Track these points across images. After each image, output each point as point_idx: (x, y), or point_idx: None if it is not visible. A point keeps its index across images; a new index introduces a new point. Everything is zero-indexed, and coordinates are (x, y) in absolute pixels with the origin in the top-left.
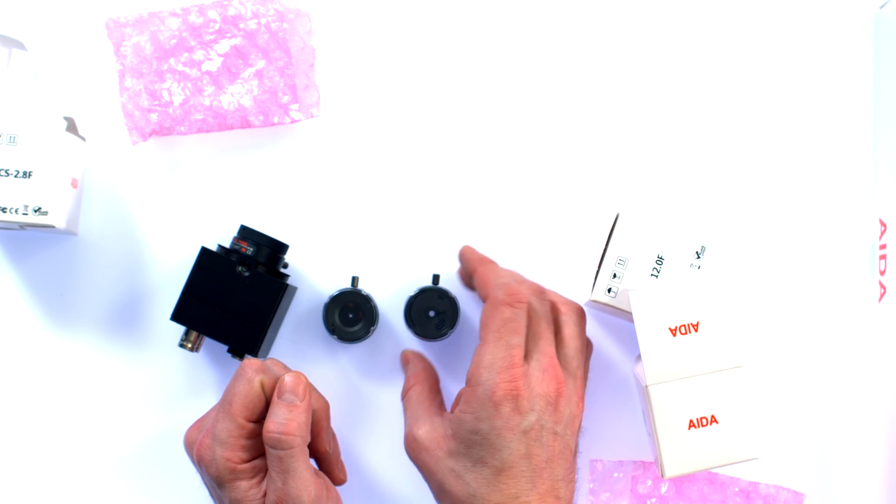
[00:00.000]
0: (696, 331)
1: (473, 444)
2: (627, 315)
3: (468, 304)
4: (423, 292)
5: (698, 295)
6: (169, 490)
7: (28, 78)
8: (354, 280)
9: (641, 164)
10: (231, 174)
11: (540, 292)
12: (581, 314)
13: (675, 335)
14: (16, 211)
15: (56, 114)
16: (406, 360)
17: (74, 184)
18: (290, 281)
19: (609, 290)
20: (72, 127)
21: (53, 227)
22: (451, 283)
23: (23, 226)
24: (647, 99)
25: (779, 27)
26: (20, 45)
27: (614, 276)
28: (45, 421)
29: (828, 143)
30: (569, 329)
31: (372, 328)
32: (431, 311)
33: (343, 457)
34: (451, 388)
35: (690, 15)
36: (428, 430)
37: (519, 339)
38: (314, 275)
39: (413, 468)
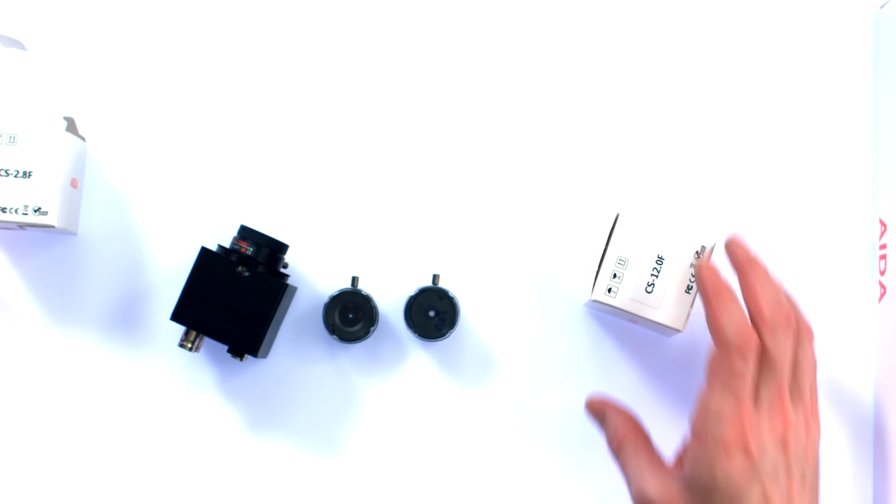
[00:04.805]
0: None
1: (711, 499)
2: (627, 315)
3: (468, 304)
4: (423, 292)
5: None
6: (169, 490)
7: (28, 78)
8: (354, 280)
9: (641, 164)
10: (231, 174)
11: (786, 322)
12: (812, 336)
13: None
14: (15, 211)
15: (56, 113)
16: (601, 409)
17: (75, 184)
18: (290, 281)
19: (609, 290)
20: (72, 127)
21: (53, 226)
22: (451, 283)
23: (22, 226)
24: (646, 99)
25: (779, 27)
26: (20, 45)
27: (614, 276)
28: (45, 421)
29: (828, 143)
30: (805, 355)
31: (372, 328)
32: (431, 311)
33: (343, 456)
34: (453, 388)
35: (690, 15)
36: (660, 489)
37: (748, 391)
38: (314, 275)
39: (410, 466)
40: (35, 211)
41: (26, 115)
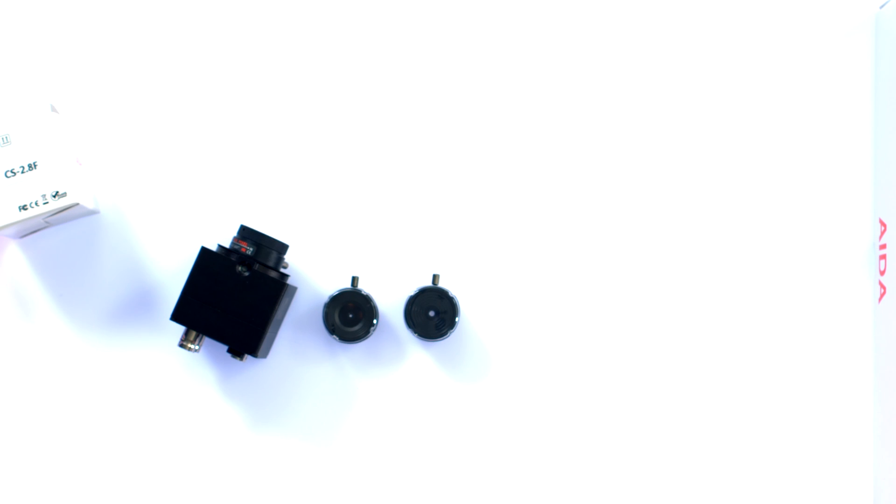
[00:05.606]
0: None
1: None
2: None
3: (468, 304)
4: (423, 292)
5: None
6: (169, 489)
7: None
8: (354, 280)
9: (641, 164)
10: (231, 174)
11: None
12: None
13: None
14: (35, 203)
15: (39, 101)
16: None
17: (79, 161)
18: (290, 281)
19: None
20: (55, 109)
21: (77, 204)
22: (451, 283)
23: (47, 219)
24: (646, 100)
25: (779, 28)
26: None
27: None
28: (45, 420)
29: (827, 144)
30: None
31: (372, 328)
32: (431, 311)
33: (343, 455)
34: (453, 388)
35: (690, 16)
36: None
37: None
38: (314, 275)
39: (410, 466)
40: (54, 196)
41: (10, 113)
